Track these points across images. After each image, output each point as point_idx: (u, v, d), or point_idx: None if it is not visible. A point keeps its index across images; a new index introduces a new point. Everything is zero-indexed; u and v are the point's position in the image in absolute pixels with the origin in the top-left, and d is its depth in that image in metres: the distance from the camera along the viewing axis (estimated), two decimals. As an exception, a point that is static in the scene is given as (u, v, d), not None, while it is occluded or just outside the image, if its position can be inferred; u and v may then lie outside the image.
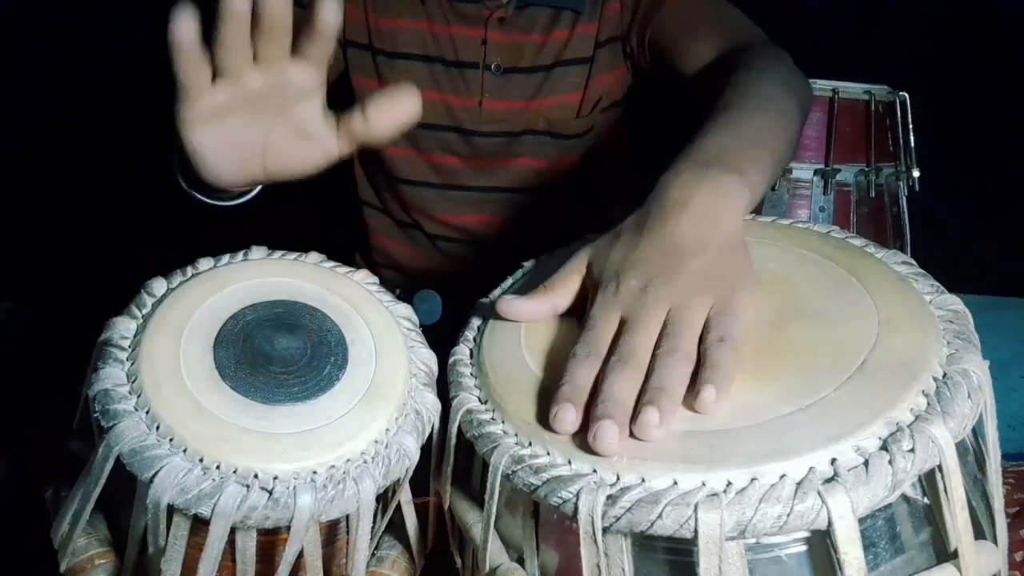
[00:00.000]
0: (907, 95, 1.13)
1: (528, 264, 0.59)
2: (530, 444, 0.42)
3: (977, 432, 0.43)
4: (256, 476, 0.42)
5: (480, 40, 0.95)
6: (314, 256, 0.55)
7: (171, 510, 0.41)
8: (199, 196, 0.64)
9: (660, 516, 0.36)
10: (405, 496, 0.51)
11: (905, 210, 1.15)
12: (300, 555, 0.44)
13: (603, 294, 0.47)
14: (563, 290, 0.50)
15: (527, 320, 0.51)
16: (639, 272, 0.47)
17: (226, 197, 0.65)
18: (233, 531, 0.42)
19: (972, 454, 0.43)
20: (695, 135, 0.56)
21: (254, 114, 0.53)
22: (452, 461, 0.48)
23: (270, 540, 0.45)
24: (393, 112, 0.53)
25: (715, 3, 0.90)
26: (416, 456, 0.47)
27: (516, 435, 0.43)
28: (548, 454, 0.41)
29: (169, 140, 0.58)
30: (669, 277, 0.45)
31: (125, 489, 0.44)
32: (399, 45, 0.96)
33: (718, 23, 0.86)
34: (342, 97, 1.01)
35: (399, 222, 1.08)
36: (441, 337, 0.55)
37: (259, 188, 0.64)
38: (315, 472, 0.43)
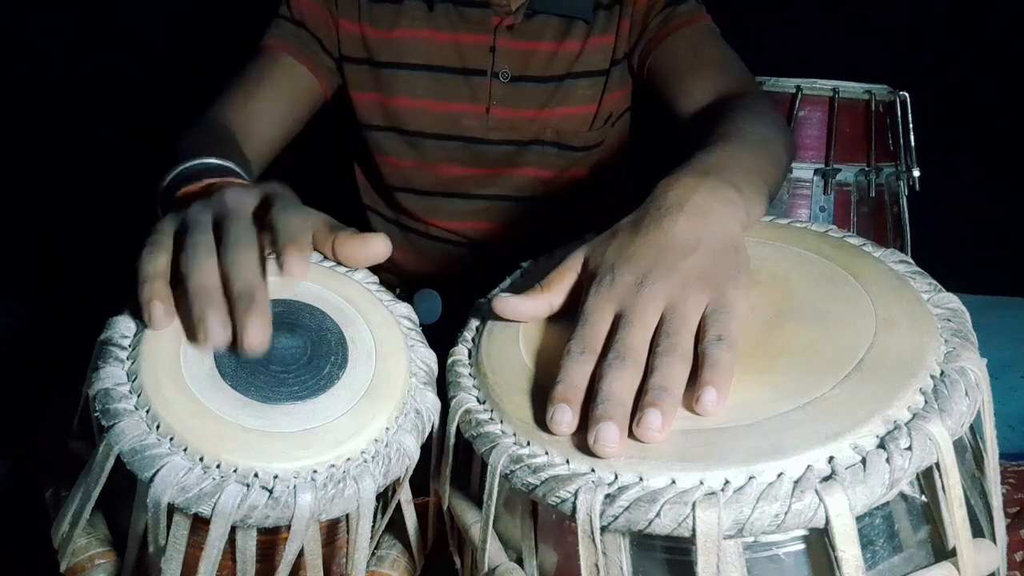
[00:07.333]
0: (907, 95, 1.13)
1: (526, 264, 0.59)
2: (528, 444, 0.42)
3: (975, 430, 0.43)
4: (256, 475, 0.42)
5: (488, 47, 0.95)
6: (314, 255, 0.55)
7: (171, 509, 0.41)
8: None
9: (658, 515, 0.36)
10: (405, 495, 0.51)
11: (905, 210, 1.15)
12: (300, 554, 0.44)
13: (597, 288, 0.47)
14: (558, 288, 0.50)
15: (523, 319, 0.51)
16: (634, 267, 0.47)
17: None
18: (233, 530, 0.42)
19: (970, 452, 0.43)
20: (694, 151, 0.56)
21: None
22: (451, 461, 0.48)
23: (270, 539, 0.45)
24: (360, 256, 0.53)
25: (717, 44, 0.91)
26: (416, 455, 0.47)
27: (514, 435, 0.43)
28: (546, 454, 0.41)
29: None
30: (664, 273, 0.46)
31: (125, 488, 0.44)
32: (401, 56, 0.96)
33: (717, 65, 0.88)
34: (342, 107, 1.02)
35: (400, 226, 1.08)
36: (441, 336, 0.55)
37: None
38: (315, 471, 0.43)
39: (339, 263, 0.54)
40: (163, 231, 0.50)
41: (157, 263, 0.47)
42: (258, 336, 0.44)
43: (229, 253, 0.47)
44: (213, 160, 0.64)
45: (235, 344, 0.45)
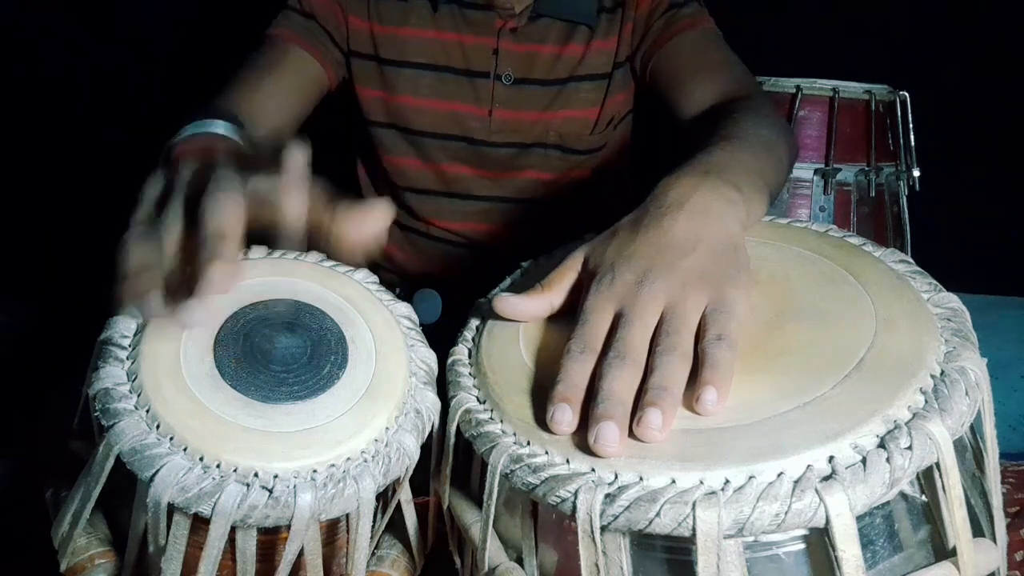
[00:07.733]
0: (907, 95, 1.13)
1: (526, 264, 0.59)
2: (528, 443, 0.42)
3: (975, 430, 0.43)
4: (256, 475, 0.42)
5: (491, 49, 0.95)
6: (314, 255, 0.55)
7: (171, 509, 0.41)
8: None
9: (658, 514, 0.36)
10: (405, 495, 0.51)
11: (905, 209, 1.15)
12: (300, 554, 0.44)
13: (597, 286, 0.47)
14: (559, 287, 0.50)
15: (524, 318, 0.51)
16: (634, 266, 0.47)
17: None
18: (233, 530, 0.42)
19: (970, 452, 0.43)
20: (695, 151, 0.56)
21: None
22: (451, 461, 0.48)
23: (270, 539, 0.45)
24: (361, 230, 0.49)
25: (719, 46, 0.92)
26: (416, 455, 0.47)
27: (514, 434, 0.43)
28: (546, 453, 0.41)
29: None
30: (664, 272, 0.46)
31: (125, 488, 0.44)
32: (406, 54, 0.96)
33: (720, 68, 0.88)
34: (347, 102, 1.02)
35: (402, 226, 1.08)
36: (441, 336, 0.55)
37: None
38: (315, 471, 0.43)
39: (336, 242, 0.50)
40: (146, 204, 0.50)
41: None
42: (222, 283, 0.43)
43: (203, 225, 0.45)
44: (218, 123, 0.65)
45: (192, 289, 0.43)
